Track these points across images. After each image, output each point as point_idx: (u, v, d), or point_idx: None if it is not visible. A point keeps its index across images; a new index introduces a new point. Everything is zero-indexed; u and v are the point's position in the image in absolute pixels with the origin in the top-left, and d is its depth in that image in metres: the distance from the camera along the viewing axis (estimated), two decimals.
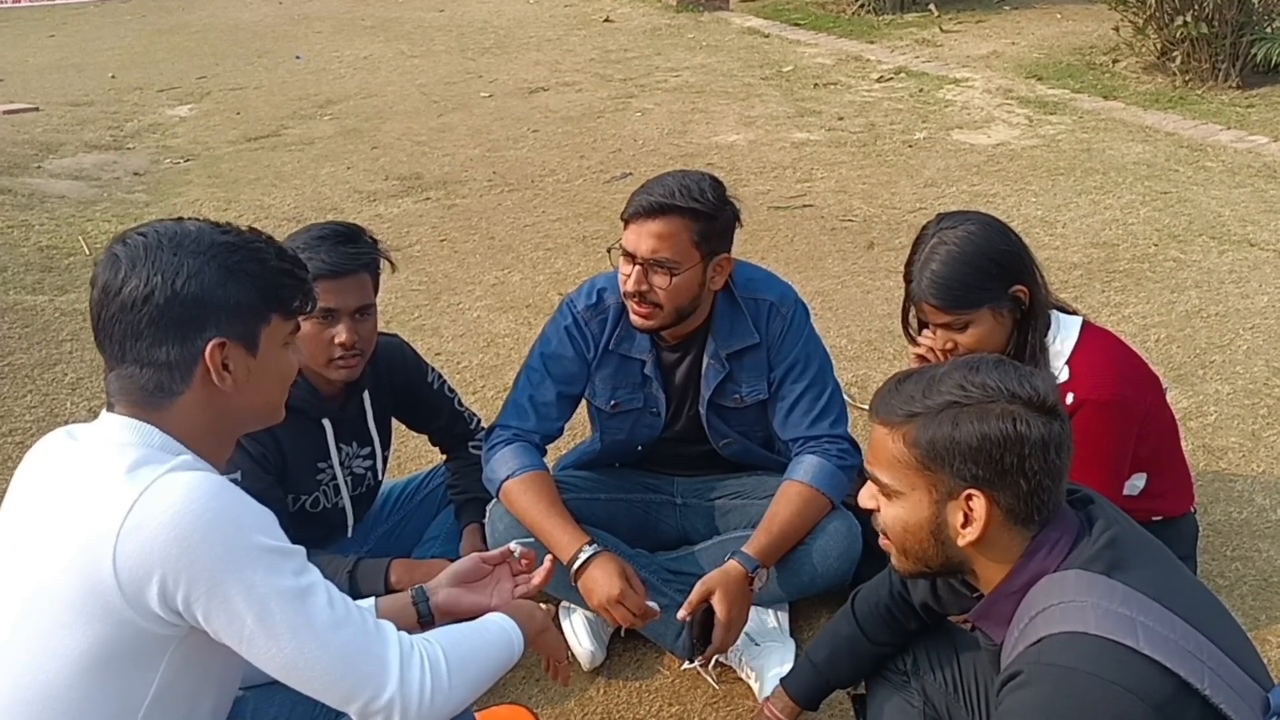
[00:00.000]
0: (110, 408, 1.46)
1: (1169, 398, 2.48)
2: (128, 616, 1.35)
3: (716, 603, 2.24)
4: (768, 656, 2.35)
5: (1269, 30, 6.45)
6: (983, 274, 2.20)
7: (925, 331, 2.32)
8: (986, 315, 2.22)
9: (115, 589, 1.33)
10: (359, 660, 1.41)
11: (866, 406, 3.35)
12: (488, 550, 2.45)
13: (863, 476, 2.55)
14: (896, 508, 1.49)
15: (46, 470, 1.47)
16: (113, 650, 1.37)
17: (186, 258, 1.42)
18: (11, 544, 1.43)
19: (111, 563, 1.33)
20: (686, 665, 2.40)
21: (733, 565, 2.27)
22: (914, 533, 1.48)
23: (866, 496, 1.55)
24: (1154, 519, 2.33)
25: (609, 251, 2.39)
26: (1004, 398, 1.41)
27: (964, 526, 1.43)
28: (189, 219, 1.51)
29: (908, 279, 2.28)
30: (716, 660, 2.39)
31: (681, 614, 2.26)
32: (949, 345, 2.26)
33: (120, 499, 1.34)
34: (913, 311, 2.33)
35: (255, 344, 1.47)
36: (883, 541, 1.55)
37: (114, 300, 1.42)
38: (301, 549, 1.44)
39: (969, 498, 1.42)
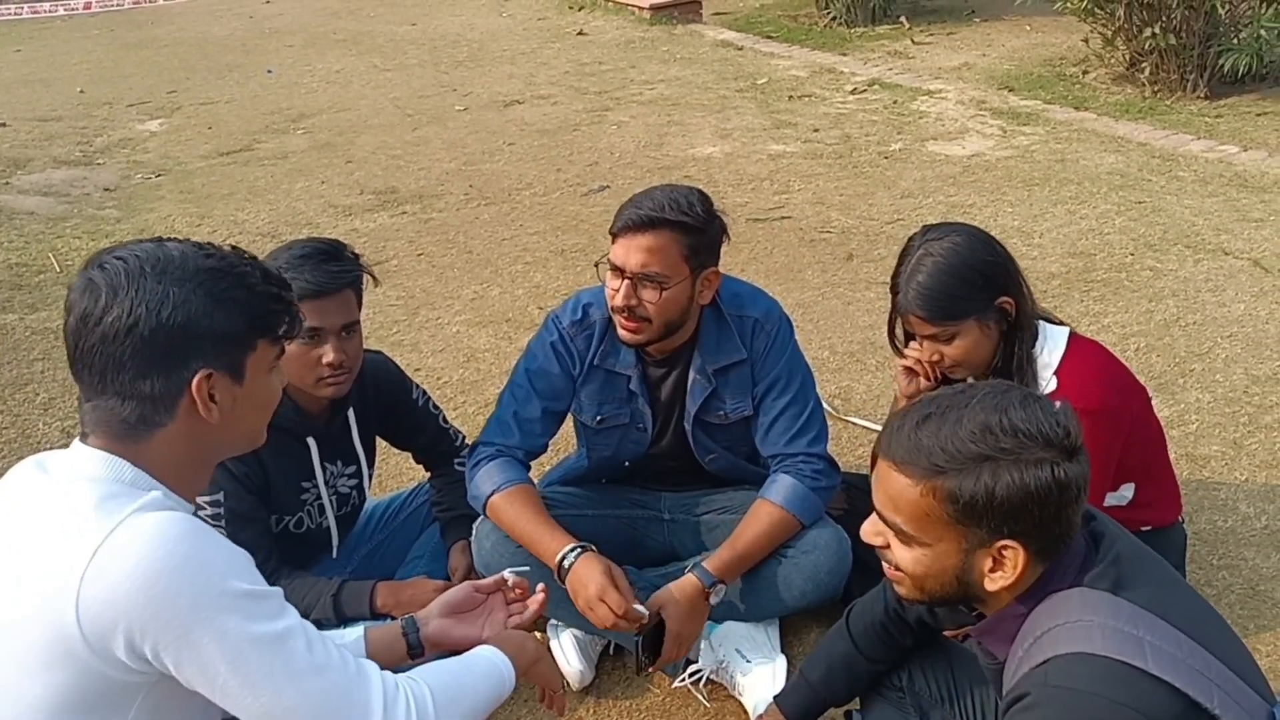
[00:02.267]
0: (84, 438, 1.40)
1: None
2: (93, 664, 1.29)
3: (667, 616, 2.23)
4: (759, 673, 2.33)
5: (1235, 41, 6.51)
6: (969, 285, 2.21)
7: (912, 343, 2.33)
8: (973, 327, 2.22)
9: (79, 638, 1.27)
10: (340, 707, 1.36)
11: (851, 419, 3.41)
12: (474, 566, 2.45)
13: (844, 491, 2.57)
14: (916, 553, 1.41)
15: (14, 506, 1.40)
16: (78, 696, 1.31)
17: (171, 285, 1.35)
18: None
19: (75, 612, 1.27)
20: (676, 683, 2.38)
21: (689, 580, 2.28)
22: (936, 577, 1.41)
23: (873, 533, 1.47)
24: (1143, 529, 2.33)
25: (596, 266, 2.37)
26: (1039, 444, 1.33)
27: (993, 571, 1.38)
28: (168, 240, 1.43)
29: (894, 290, 2.28)
30: (707, 678, 2.38)
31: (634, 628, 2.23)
32: (935, 357, 2.27)
33: (84, 544, 1.28)
34: (899, 323, 2.33)
35: (241, 373, 1.42)
36: (891, 572, 1.48)
37: (94, 330, 1.34)
38: (278, 590, 1.39)
39: (1003, 548, 1.36)
